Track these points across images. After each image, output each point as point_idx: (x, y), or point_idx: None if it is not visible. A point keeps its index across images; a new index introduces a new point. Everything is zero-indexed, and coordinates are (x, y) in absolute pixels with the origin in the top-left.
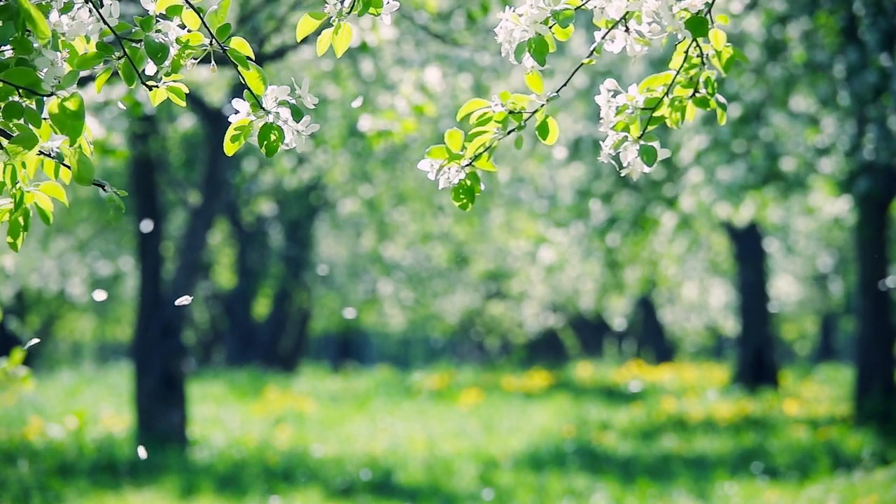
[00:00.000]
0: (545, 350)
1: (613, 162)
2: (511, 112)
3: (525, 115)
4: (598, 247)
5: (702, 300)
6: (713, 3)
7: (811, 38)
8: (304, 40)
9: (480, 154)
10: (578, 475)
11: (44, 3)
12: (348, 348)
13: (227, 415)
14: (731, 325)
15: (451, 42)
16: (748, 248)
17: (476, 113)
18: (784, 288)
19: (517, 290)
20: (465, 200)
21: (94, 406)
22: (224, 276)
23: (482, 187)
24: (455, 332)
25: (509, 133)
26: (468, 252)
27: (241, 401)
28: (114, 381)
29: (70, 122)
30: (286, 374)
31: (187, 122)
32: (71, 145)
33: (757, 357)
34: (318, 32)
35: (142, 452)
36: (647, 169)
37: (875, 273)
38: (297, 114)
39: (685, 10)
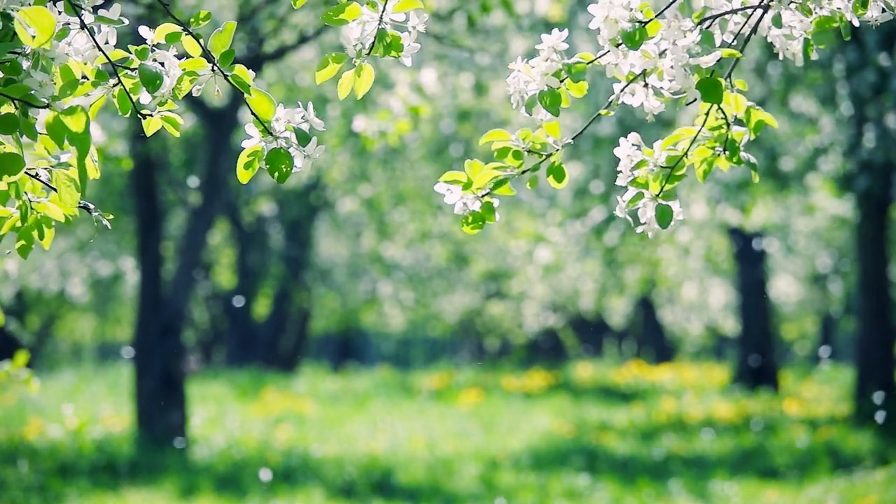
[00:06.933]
0: (545, 350)
1: (630, 217)
2: (528, 151)
3: (541, 158)
4: (596, 246)
5: (702, 300)
6: (734, 65)
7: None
8: (304, 40)
9: (501, 183)
10: (578, 475)
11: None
12: (348, 348)
13: (227, 415)
14: (731, 325)
15: (451, 44)
16: (748, 248)
17: (496, 144)
18: (784, 288)
19: (517, 290)
20: (476, 227)
21: (94, 406)
22: (224, 276)
23: (497, 218)
24: (455, 331)
25: (524, 173)
26: (468, 252)
27: (241, 401)
28: (114, 381)
29: (78, 135)
30: (286, 374)
31: (187, 122)
32: (81, 158)
33: (757, 357)
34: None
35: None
36: (662, 229)
37: (875, 273)
38: (303, 136)
39: (698, 68)
